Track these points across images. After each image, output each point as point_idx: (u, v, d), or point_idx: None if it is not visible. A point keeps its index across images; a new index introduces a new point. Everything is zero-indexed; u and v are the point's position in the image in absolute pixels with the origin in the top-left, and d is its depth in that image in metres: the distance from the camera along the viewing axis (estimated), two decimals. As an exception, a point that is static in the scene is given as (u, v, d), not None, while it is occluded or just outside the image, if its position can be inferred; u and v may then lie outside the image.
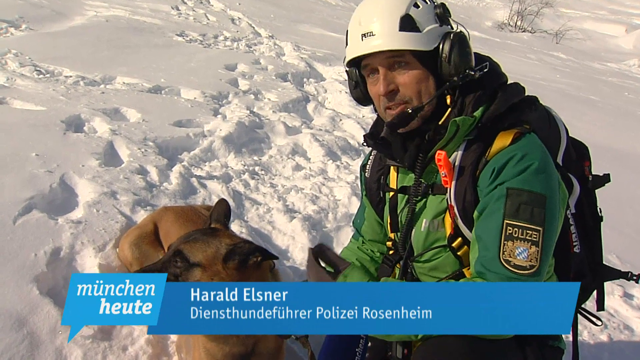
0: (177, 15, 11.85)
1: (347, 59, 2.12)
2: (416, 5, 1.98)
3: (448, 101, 2.04)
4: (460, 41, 1.98)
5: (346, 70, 2.21)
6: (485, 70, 2.00)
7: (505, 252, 1.81)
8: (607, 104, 11.71)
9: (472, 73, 1.97)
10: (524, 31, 27.78)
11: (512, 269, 1.80)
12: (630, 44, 26.09)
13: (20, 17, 8.56)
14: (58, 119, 4.63)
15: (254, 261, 2.24)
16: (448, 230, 2.07)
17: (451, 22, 2.06)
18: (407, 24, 1.94)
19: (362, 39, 2.00)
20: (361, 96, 2.22)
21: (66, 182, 3.66)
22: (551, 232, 1.87)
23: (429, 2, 2.02)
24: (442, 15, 2.02)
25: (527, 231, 1.82)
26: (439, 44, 1.98)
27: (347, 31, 2.11)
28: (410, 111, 2.01)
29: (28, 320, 2.48)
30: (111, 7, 10.85)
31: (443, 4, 2.05)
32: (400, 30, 1.94)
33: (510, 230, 1.83)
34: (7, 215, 3.05)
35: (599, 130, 8.59)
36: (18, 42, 7.37)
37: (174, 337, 2.75)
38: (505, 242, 1.83)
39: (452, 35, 1.99)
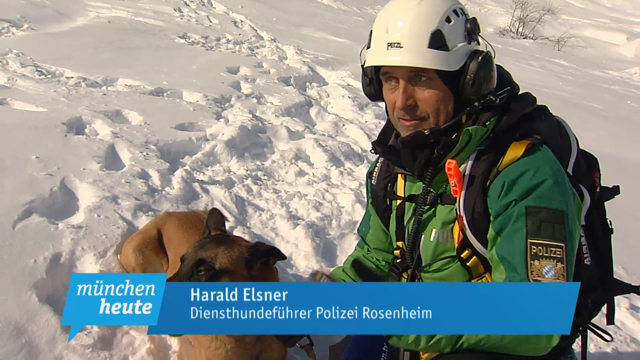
0: (180, 17, 11.83)
1: (368, 64, 2.05)
2: (448, 20, 1.90)
3: (463, 120, 1.99)
4: (486, 64, 1.92)
5: (362, 66, 2.15)
6: (505, 94, 1.96)
7: (533, 272, 1.78)
8: (610, 112, 11.69)
9: (494, 99, 1.93)
10: (525, 38, 27.79)
11: None
12: (631, 52, 26.09)
13: (22, 17, 8.54)
14: (59, 121, 4.59)
15: (273, 262, 2.27)
16: (456, 240, 2.03)
17: (478, 38, 1.99)
18: (437, 41, 1.88)
19: (388, 48, 1.93)
20: (374, 94, 2.16)
21: (67, 185, 3.61)
22: (573, 246, 1.84)
23: (460, 15, 1.95)
24: (472, 31, 1.95)
25: (551, 248, 1.79)
26: (465, 63, 1.92)
27: (371, 31, 2.04)
28: (427, 132, 1.96)
29: (27, 328, 2.43)
30: (113, 8, 10.83)
31: (474, 19, 1.98)
32: (429, 47, 1.87)
33: (534, 249, 1.79)
34: (7, 219, 3.00)
35: (602, 139, 8.56)
36: (19, 42, 7.35)
37: (175, 347, 2.70)
38: (532, 261, 1.79)
39: (479, 57, 1.93)
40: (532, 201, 1.83)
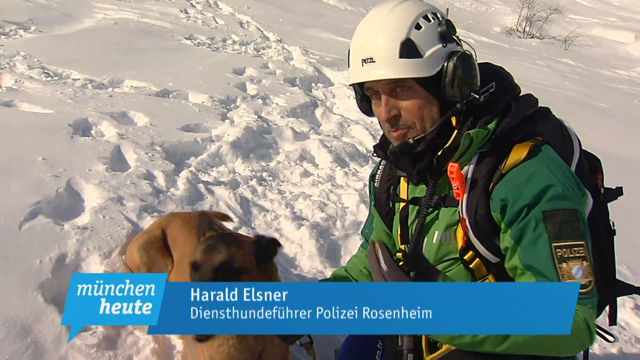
0: (186, 19, 11.85)
1: (349, 82, 2.07)
2: (418, 27, 1.89)
3: (454, 122, 1.99)
4: (465, 63, 1.91)
5: (351, 86, 2.17)
6: (491, 91, 1.94)
7: (564, 276, 1.78)
8: (618, 111, 11.64)
9: (477, 97, 1.91)
10: (532, 37, 27.74)
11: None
12: (639, 51, 25.99)
13: (29, 19, 8.57)
14: (65, 123, 4.62)
15: (275, 252, 2.31)
16: (460, 242, 2.03)
17: (455, 38, 1.97)
18: (408, 49, 1.87)
19: (362, 65, 1.94)
20: (368, 110, 2.17)
21: (72, 187, 3.63)
22: (590, 241, 1.85)
23: (432, 20, 1.93)
24: (446, 33, 1.93)
25: (574, 248, 1.79)
26: (443, 65, 1.91)
27: (349, 50, 2.07)
28: (411, 141, 1.96)
29: (32, 328, 2.45)
30: (120, 10, 10.87)
31: (448, 21, 1.96)
32: (400, 57, 1.87)
33: (560, 252, 1.79)
34: (13, 220, 3.02)
35: (609, 139, 8.53)
36: (27, 44, 7.38)
37: (179, 347, 2.71)
38: (560, 265, 1.79)
39: (455, 57, 1.91)
40: (546, 205, 1.82)
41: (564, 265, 1.78)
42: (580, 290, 1.75)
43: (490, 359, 1.79)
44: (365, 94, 2.10)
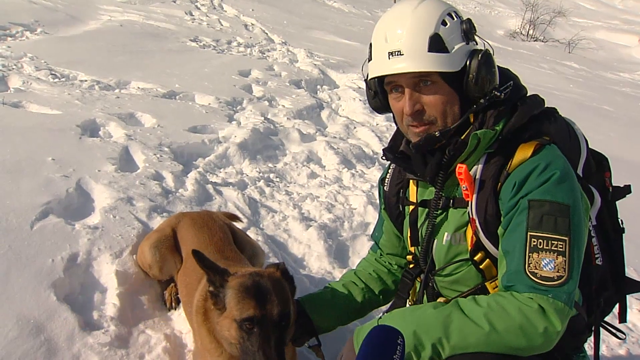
0: (191, 21, 11.89)
1: (372, 75, 2.08)
2: (444, 23, 1.94)
3: (471, 119, 2.01)
4: (487, 61, 1.94)
5: (365, 80, 2.18)
6: (510, 89, 1.98)
7: (530, 265, 1.78)
8: (622, 114, 11.64)
9: (498, 94, 1.94)
10: (535, 40, 27.71)
11: (539, 281, 1.76)
12: (643, 55, 25.99)
13: (35, 21, 8.62)
14: (73, 124, 4.64)
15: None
16: (470, 243, 2.04)
17: (475, 37, 2.02)
18: (436, 44, 1.91)
19: (389, 58, 1.96)
20: (380, 106, 2.19)
21: (82, 187, 3.65)
22: (578, 241, 1.83)
23: (455, 18, 1.98)
24: (469, 31, 1.98)
25: (553, 241, 1.79)
26: (466, 63, 1.94)
27: (370, 44, 2.07)
28: (437, 134, 1.98)
29: (46, 326, 2.46)
30: (125, 12, 10.91)
31: (469, 20, 2.01)
32: (429, 51, 1.90)
33: (534, 242, 1.80)
34: (24, 220, 3.03)
35: (613, 141, 8.53)
36: (34, 46, 7.41)
37: (190, 346, 2.72)
38: (530, 254, 1.79)
39: (479, 55, 1.95)
40: (536, 195, 1.83)
41: (535, 255, 1.79)
42: (544, 282, 1.75)
43: (496, 356, 1.80)
44: (381, 89, 2.12)
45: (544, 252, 1.78)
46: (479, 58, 1.94)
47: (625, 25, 32.14)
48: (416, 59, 1.91)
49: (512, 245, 1.85)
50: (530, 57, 19.91)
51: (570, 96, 12.31)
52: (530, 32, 28.68)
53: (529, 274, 1.78)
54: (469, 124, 2.01)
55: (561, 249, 1.78)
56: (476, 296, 1.90)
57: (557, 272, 1.76)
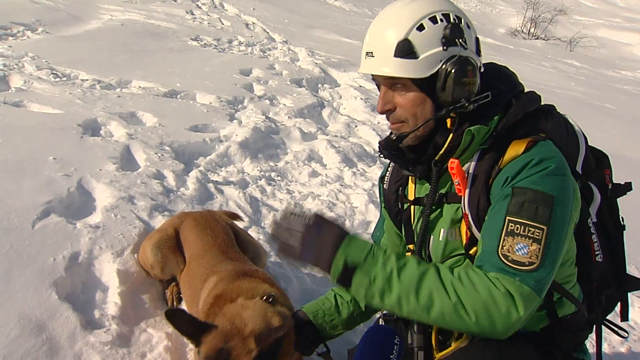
0: (192, 20, 11.89)
1: (358, 71, 2.16)
2: (420, 28, 1.90)
3: (448, 124, 2.00)
4: (459, 69, 1.90)
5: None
6: (485, 101, 1.94)
7: (504, 247, 1.75)
8: (623, 112, 11.64)
9: (466, 105, 1.92)
10: (537, 38, 27.71)
11: (509, 263, 1.72)
12: (644, 52, 25.97)
13: (36, 21, 8.61)
14: (75, 123, 4.64)
15: None
16: (464, 238, 2.04)
17: (461, 43, 1.93)
18: (404, 50, 1.90)
19: (365, 57, 2.02)
20: None
21: (84, 186, 3.65)
22: (559, 232, 1.79)
23: (440, 21, 1.92)
24: (449, 37, 1.91)
25: (530, 228, 1.76)
26: (439, 69, 1.91)
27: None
28: (394, 137, 2.07)
29: (47, 325, 2.46)
30: (126, 11, 10.91)
31: (454, 25, 1.93)
32: (395, 57, 1.91)
33: (511, 226, 1.77)
34: (26, 219, 3.04)
35: (615, 139, 8.53)
36: (35, 45, 7.41)
37: (191, 345, 2.72)
38: (506, 237, 1.77)
39: (451, 61, 1.90)
40: (522, 183, 1.81)
41: (509, 239, 1.76)
42: (514, 265, 1.72)
43: (496, 354, 1.81)
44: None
45: (519, 237, 1.75)
46: (448, 65, 1.90)
47: (627, 23, 32.12)
48: (382, 63, 1.95)
49: (489, 229, 1.84)
50: (531, 56, 19.91)
51: (572, 94, 12.30)
52: (532, 30, 28.68)
53: (500, 256, 1.75)
54: (446, 127, 2.00)
55: (537, 237, 1.75)
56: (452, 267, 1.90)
57: (530, 258, 1.73)
